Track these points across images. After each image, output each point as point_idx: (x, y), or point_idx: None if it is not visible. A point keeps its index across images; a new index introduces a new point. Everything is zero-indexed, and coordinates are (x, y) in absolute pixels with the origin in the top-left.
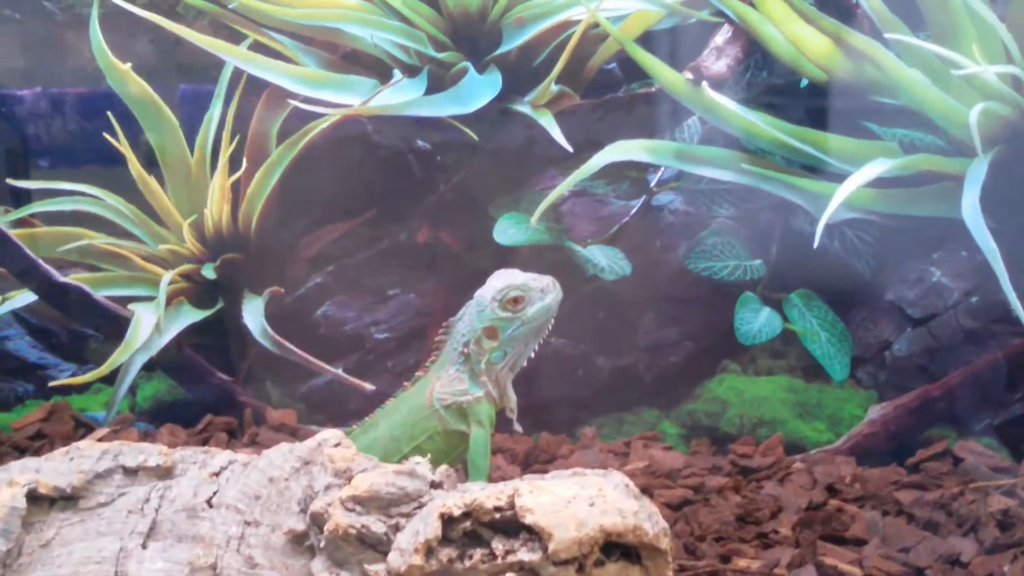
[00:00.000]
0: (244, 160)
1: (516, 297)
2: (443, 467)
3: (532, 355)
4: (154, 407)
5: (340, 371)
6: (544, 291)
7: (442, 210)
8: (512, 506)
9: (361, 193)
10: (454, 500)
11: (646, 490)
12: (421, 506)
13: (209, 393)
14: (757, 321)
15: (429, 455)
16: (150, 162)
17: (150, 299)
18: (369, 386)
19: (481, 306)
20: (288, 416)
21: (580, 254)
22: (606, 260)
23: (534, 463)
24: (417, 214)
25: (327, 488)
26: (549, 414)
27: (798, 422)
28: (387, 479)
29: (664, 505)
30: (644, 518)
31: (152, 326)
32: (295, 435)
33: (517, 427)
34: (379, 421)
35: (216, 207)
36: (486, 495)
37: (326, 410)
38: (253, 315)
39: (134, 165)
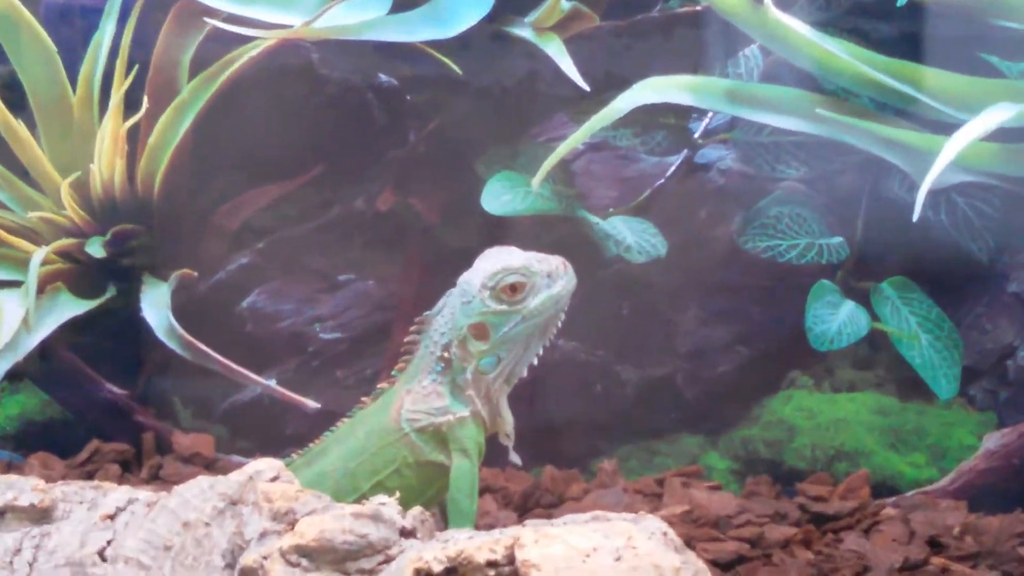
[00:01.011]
0: (145, 99)
1: (514, 284)
2: (416, 509)
3: (535, 362)
4: (21, 429)
5: (273, 383)
6: (551, 276)
7: (412, 167)
8: (511, 560)
9: (303, 144)
10: (434, 552)
11: (686, 543)
12: (388, 560)
13: (95, 411)
14: (836, 319)
15: (397, 494)
16: (16, 101)
17: (17, 284)
18: (312, 403)
19: (467, 296)
20: (202, 443)
21: (598, 228)
22: (633, 236)
23: (534, 507)
24: (379, 173)
25: (262, 536)
26: (556, 442)
27: (890, 454)
28: (343, 524)
29: (711, 564)
30: None
31: (19, 320)
32: (211, 468)
33: (514, 458)
34: (328, 449)
35: (106, 162)
36: (476, 546)
37: (254, 435)
38: (155, 307)
39: None
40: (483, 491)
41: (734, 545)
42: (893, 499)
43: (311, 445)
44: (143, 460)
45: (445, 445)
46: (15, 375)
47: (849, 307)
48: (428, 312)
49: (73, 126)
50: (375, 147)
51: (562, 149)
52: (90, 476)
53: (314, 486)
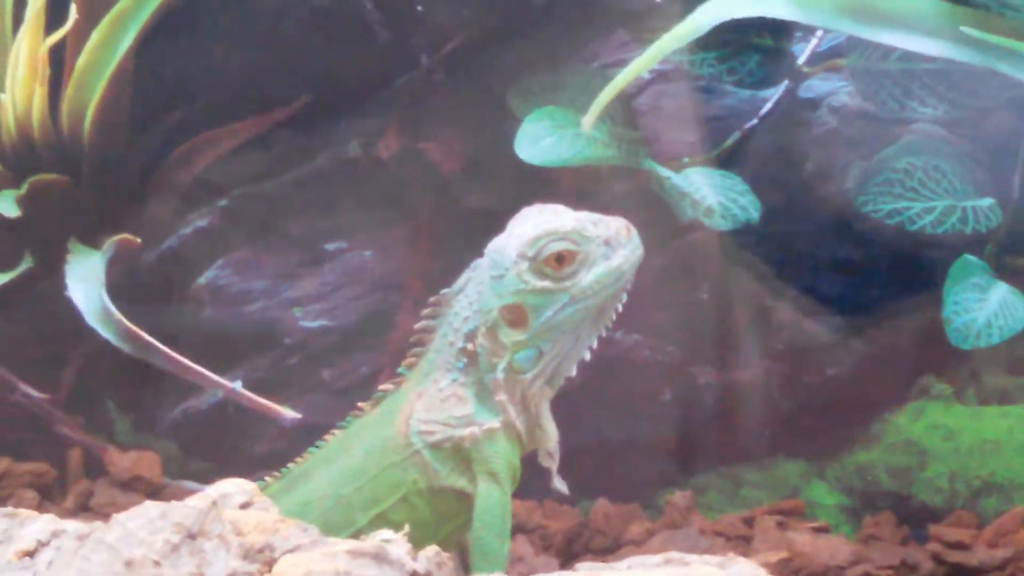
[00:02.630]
0: (72, 8)
1: (561, 253)
2: (431, 549)
3: (586, 358)
4: None
5: (239, 385)
6: (610, 244)
7: (425, 101)
8: None
9: (280, 70)
10: None
11: None
12: None
13: (6, 421)
14: (984, 308)
15: (406, 528)
16: None
17: None
18: (290, 412)
19: (499, 268)
20: (146, 463)
21: (670, 184)
22: (716, 194)
23: (582, 552)
24: (380, 108)
25: None
26: (611, 467)
27: None
28: (337, 565)
29: None
30: None
31: None
32: (157, 496)
33: (559, 484)
34: (314, 471)
35: (22, 92)
36: None
37: (213, 453)
38: (85, 283)
39: None
40: (515, 530)
41: None
42: None
43: (290, 465)
44: (67, 485)
45: (468, 466)
46: None
47: (1002, 291)
48: (446, 290)
49: None
50: (375, 74)
51: (622, 78)
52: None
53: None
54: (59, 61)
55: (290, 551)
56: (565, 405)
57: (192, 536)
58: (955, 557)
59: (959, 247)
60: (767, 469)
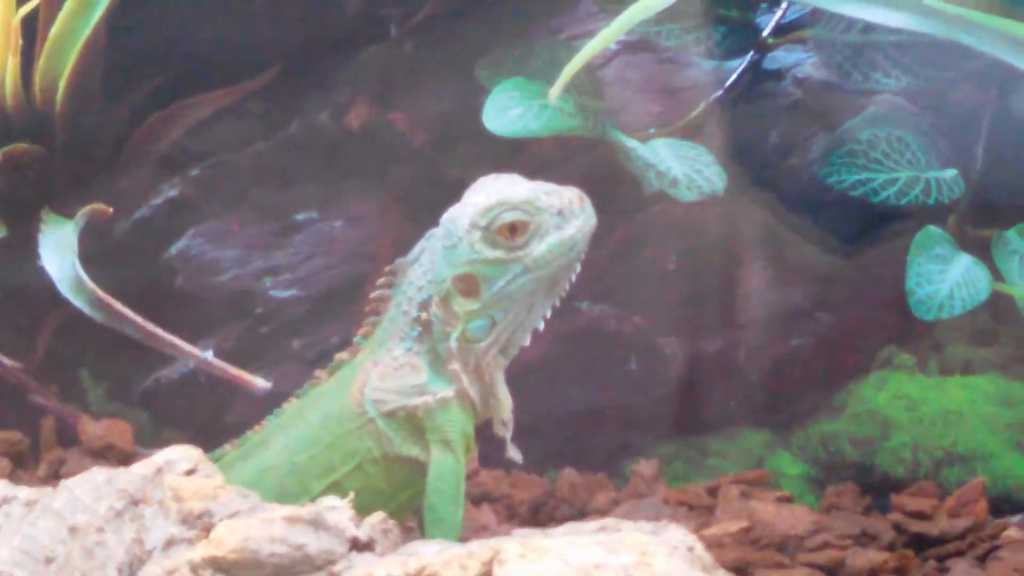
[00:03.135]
0: None
1: (514, 223)
2: (376, 516)
3: (540, 327)
4: None
5: (210, 354)
6: (563, 214)
7: (393, 71)
8: None
9: (251, 39)
10: (388, 570)
11: (742, 569)
12: None
13: None
14: (947, 279)
15: (351, 495)
16: None
17: None
18: (261, 381)
19: (452, 237)
20: (118, 432)
21: (636, 155)
22: (681, 165)
23: (548, 521)
24: (350, 78)
25: (169, 544)
26: (577, 437)
27: (1016, 456)
28: (273, 531)
29: None
30: None
31: None
32: (130, 464)
33: (513, 453)
34: (271, 439)
35: None
36: (444, 561)
37: (184, 422)
38: (58, 253)
39: None
40: (481, 499)
41: (803, 573)
42: (1019, 517)
43: (249, 433)
44: (40, 453)
45: (422, 435)
46: None
47: (964, 262)
48: (401, 260)
49: None
50: (345, 45)
51: (589, 49)
52: None
53: (252, 487)
54: (32, 31)
55: (228, 517)
56: (533, 375)
57: (136, 503)
58: (916, 527)
59: (922, 218)
60: (732, 439)
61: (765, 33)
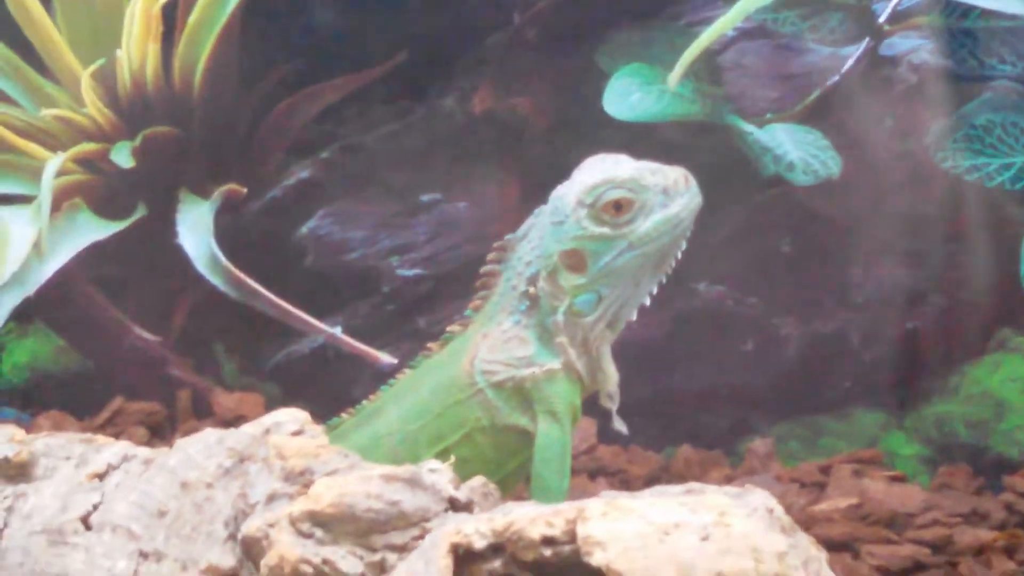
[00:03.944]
0: None
1: (619, 200)
2: (478, 480)
3: (647, 303)
4: (31, 382)
5: (339, 330)
6: (668, 192)
7: (517, 58)
8: (572, 537)
9: (379, 26)
10: (476, 525)
11: (848, 545)
12: (426, 536)
13: (121, 361)
14: None
15: (452, 458)
16: None
17: (27, 200)
18: (387, 357)
19: (559, 215)
20: (249, 403)
21: (753, 139)
22: (797, 150)
23: None
24: (474, 64)
25: (271, 499)
26: (695, 415)
27: None
28: (369, 488)
29: (878, 570)
30: (795, 566)
31: (28, 245)
32: None
33: (619, 424)
34: (385, 408)
35: (136, 47)
36: (530, 518)
37: (313, 395)
38: (195, 232)
39: None
40: (597, 473)
41: (910, 549)
42: None
43: (363, 403)
44: (177, 423)
45: (529, 406)
46: (24, 315)
47: None
48: (510, 236)
49: (96, 1)
50: (470, 30)
51: (707, 36)
52: None
53: (365, 453)
54: (171, 19)
55: (328, 475)
56: (652, 355)
57: (243, 460)
58: None
59: None
60: (847, 419)
61: (881, 19)
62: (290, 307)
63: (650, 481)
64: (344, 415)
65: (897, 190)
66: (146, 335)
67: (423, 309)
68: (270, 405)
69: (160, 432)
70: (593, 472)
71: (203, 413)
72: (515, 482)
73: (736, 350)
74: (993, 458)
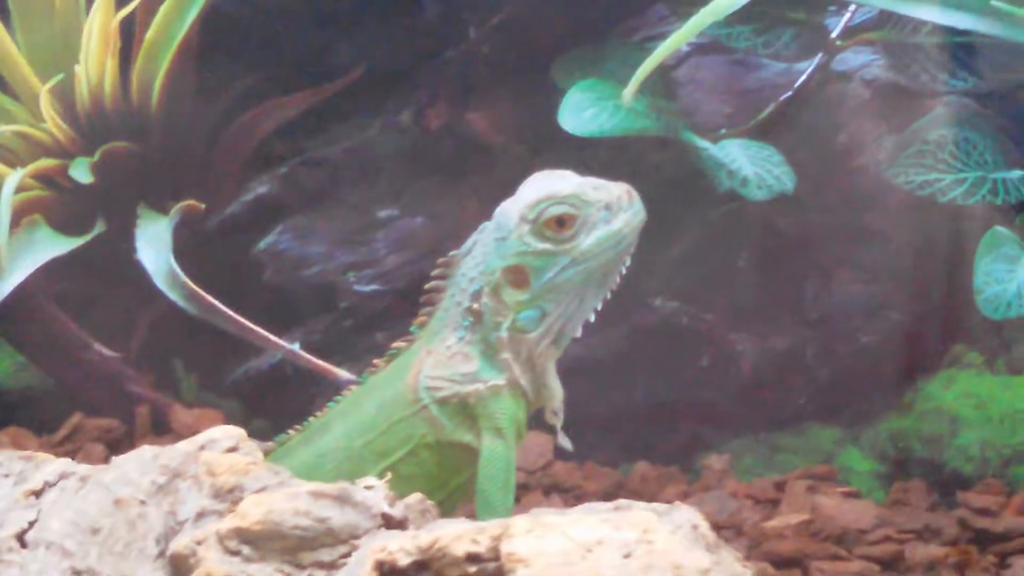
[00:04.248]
0: None
1: (561, 216)
2: (415, 497)
3: (591, 319)
4: None
5: (297, 346)
6: (611, 208)
7: (472, 73)
8: (497, 555)
9: (336, 42)
10: (401, 543)
11: (797, 561)
12: (354, 552)
13: (80, 377)
14: (1015, 278)
15: (388, 476)
16: None
17: None
18: (345, 373)
19: (502, 231)
20: (209, 420)
21: (708, 154)
22: (752, 165)
23: None
24: (430, 79)
25: (200, 516)
26: (648, 431)
27: None
28: (297, 505)
29: None
30: None
31: None
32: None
33: (563, 441)
34: (330, 424)
35: (95, 62)
36: (456, 535)
37: (272, 411)
38: (154, 247)
39: None
40: (551, 489)
41: (859, 565)
42: None
43: (310, 419)
44: (135, 440)
45: (474, 422)
46: None
47: None
48: (455, 252)
49: (55, 17)
50: (425, 46)
51: (661, 51)
52: (69, 457)
53: (311, 470)
54: (129, 34)
55: (257, 492)
56: (607, 371)
57: (177, 476)
58: (981, 523)
59: (990, 219)
60: (802, 435)
61: (834, 35)
62: (248, 323)
63: (606, 498)
64: (292, 431)
65: (851, 205)
66: (105, 351)
67: (381, 325)
68: (229, 421)
69: (118, 448)
70: (547, 488)
71: (162, 429)
72: (461, 498)
73: (692, 366)
74: (948, 474)
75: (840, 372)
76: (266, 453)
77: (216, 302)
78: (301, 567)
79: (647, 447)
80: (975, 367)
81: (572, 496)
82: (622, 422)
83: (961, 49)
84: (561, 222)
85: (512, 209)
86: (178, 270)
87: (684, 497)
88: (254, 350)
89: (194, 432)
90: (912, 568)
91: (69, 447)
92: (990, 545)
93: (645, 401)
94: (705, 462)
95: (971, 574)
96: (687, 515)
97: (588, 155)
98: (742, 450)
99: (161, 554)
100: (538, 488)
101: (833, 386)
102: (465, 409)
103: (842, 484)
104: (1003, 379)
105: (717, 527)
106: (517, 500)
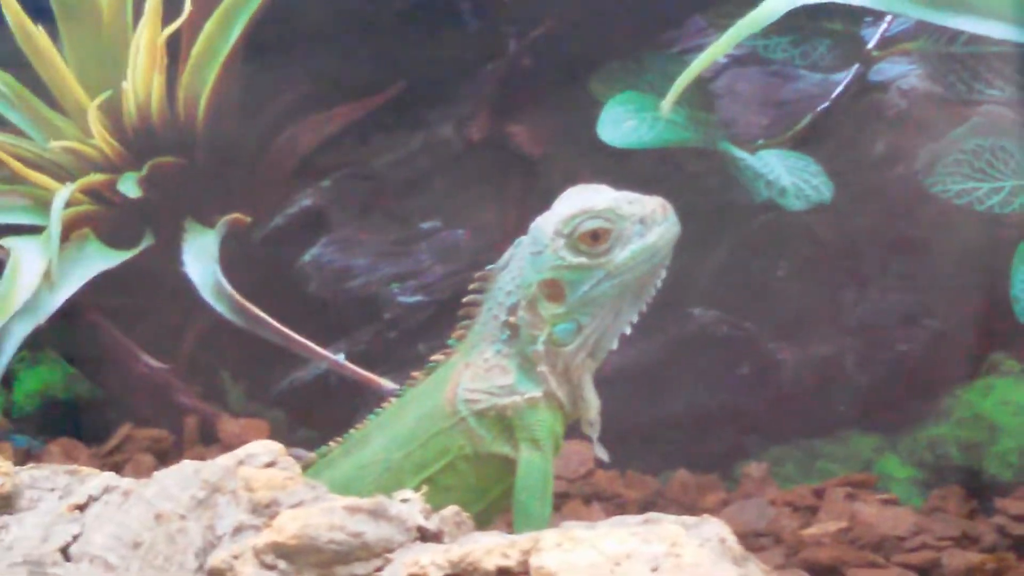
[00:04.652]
0: (187, 3)
1: (596, 230)
2: (451, 510)
3: (628, 331)
4: (42, 409)
5: (342, 357)
6: (645, 222)
7: (513, 86)
8: (526, 569)
9: (379, 57)
10: (432, 556)
11: (835, 569)
12: (388, 565)
13: (129, 388)
14: None
15: (425, 490)
16: (36, 5)
17: (37, 230)
18: (389, 383)
19: (538, 245)
20: (255, 430)
21: (745, 165)
22: (790, 175)
23: None
24: (471, 92)
25: (237, 531)
26: (688, 439)
27: None
28: (332, 519)
29: None
30: None
31: (39, 274)
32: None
33: (600, 451)
34: (371, 436)
35: (142, 78)
36: (486, 549)
37: (317, 421)
38: (201, 260)
39: (12, 10)
40: (592, 498)
41: (896, 573)
42: None
43: (351, 431)
44: (183, 450)
45: (512, 434)
46: (35, 343)
47: None
48: (492, 266)
49: (103, 34)
50: (467, 60)
51: (699, 63)
52: (118, 468)
53: (351, 482)
54: (176, 51)
55: (294, 506)
56: (648, 380)
57: (216, 491)
58: (1019, 530)
59: None
60: (842, 442)
61: (870, 45)
62: (293, 334)
63: (646, 506)
64: (332, 443)
65: (888, 214)
66: (154, 362)
67: (424, 335)
68: (275, 431)
69: (167, 459)
70: (588, 497)
71: (210, 439)
72: (499, 510)
73: (732, 374)
74: (986, 481)
75: (879, 380)
76: (307, 465)
77: (262, 313)
78: None
79: (687, 455)
80: (1013, 374)
81: (613, 504)
82: (662, 430)
83: (996, 58)
84: (596, 236)
85: (547, 223)
86: (224, 282)
87: (723, 505)
88: (299, 361)
89: (241, 442)
90: (950, 575)
91: (119, 458)
92: None
93: (685, 410)
94: (745, 470)
95: None
96: (715, 528)
97: (628, 167)
98: (782, 458)
99: (200, 568)
100: (579, 496)
101: (872, 394)
102: (502, 421)
103: (881, 491)
104: None
105: (756, 535)
106: (558, 509)
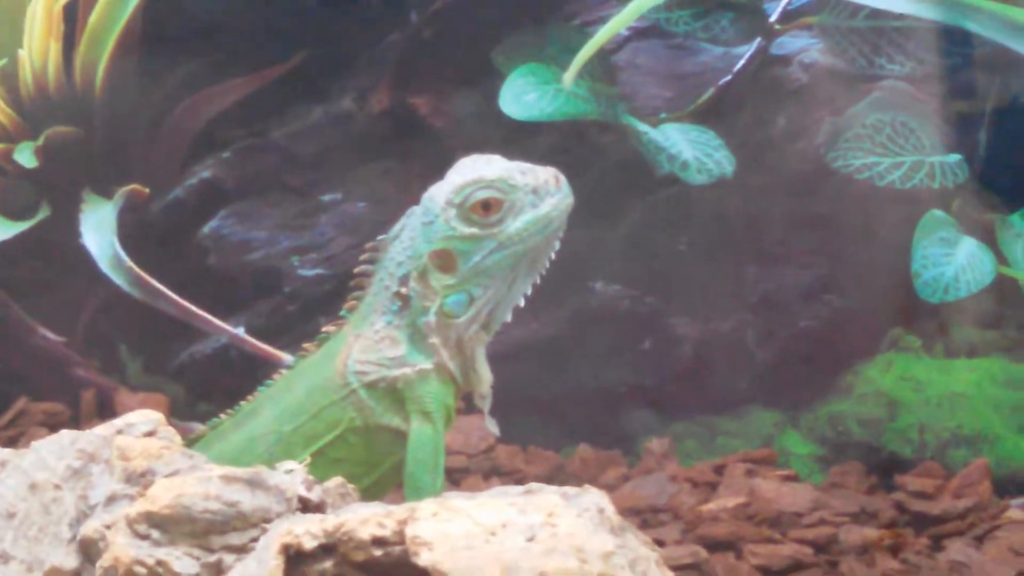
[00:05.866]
0: None
1: (487, 200)
2: (335, 481)
3: (520, 303)
4: None
5: (241, 330)
6: (538, 192)
7: (414, 58)
8: (402, 538)
9: (279, 27)
10: (307, 526)
11: (731, 544)
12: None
13: (25, 362)
14: (952, 262)
15: (307, 459)
16: None
17: None
18: (289, 357)
19: (429, 215)
20: (153, 404)
21: (647, 138)
22: (691, 149)
23: None
24: (372, 64)
25: (111, 500)
26: (590, 414)
27: (1021, 438)
28: (208, 489)
29: (758, 569)
30: (621, 565)
31: None
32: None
33: (491, 425)
34: (261, 408)
35: (38, 46)
36: (361, 519)
37: (217, 395)
38: (98, 231)
39: None
40: (491, 473)
41: (792, 548)
42: (1021, 500)
43: (241, 403)
44: (80, 424)
45: (402, 406)
46: None
47: (969, 246)
48: (383, 236)
49: None
50: (368, 31)
51: (601, 35)
52: (12, 442)
53: (241, 454)
54: (73, 19)
55: (169, 476)
56: (548, 354)
57: (91, 461)
58: (917, 506)
59: (927, 202)
60: (742, 419)
61: (772, 19)
62: (193, 307)
63: (546, 481)
64: (223, 415)
65: (790, 189)
66: (51, 335)
67: (324, 308)
68: (175, 405)
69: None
70: (487, 472)
71: (108, 414)
72: (391, 483)
73: (634, 349)
74: (886, 457)
75: (780, 355)
76: (198, 438)
77: (161, 286)
78: (211, 550)
79: (589, 430)
80: (913, 351)
81: (513, 479)
82: (564, 405)
83: (898, 33)
84: (487, 206)
85: (439, 193)
86: (123, 254)
87: (624, 480)
88: (199, 334)
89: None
90: (845, 551)
91: (13, 432)
92: (928, 528)
93: (587, 384)
94: (646, 445)
95: (905, 556)
96: (594, 498)
97: (531, 139)
98: (683, 433)
99: (74, 538)
100: (478, 472)
101: (773, 369)
102: (393, 393)
103: (782, 467)
104: (941, 363)
105: (655, 510)
106: (457, 484)
